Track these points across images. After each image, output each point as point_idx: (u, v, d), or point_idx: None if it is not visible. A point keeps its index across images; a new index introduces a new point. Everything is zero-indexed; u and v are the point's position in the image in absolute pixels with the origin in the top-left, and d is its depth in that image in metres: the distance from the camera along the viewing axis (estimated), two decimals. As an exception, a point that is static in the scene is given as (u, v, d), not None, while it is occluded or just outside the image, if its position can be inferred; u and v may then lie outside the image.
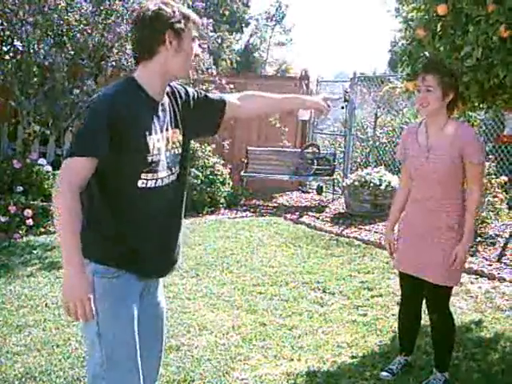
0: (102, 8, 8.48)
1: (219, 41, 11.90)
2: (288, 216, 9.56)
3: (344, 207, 9.72)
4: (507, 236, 7.69)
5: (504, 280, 6.13)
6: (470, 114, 4.91)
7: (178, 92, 2.50)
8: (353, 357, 4.20)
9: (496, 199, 7.67)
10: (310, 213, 9.79)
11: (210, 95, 2.64)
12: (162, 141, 2.34)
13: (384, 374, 3.84)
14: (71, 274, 2.12)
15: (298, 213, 9.86)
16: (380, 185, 8.97)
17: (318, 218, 9.41)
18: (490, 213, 7.76)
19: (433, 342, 3.85)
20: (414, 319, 3.90)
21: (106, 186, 2.25)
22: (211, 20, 10.13)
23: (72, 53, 8.53)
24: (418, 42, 4.14)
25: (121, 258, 2.31)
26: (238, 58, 24.58)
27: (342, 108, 11.33)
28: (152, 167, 2.30)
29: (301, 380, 3.83)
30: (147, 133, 2.28)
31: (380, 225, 8.63)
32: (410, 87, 4.46)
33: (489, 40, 3.47)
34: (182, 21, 2.29)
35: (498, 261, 6.84)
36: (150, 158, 2.28)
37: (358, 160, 11.88)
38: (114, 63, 8.90)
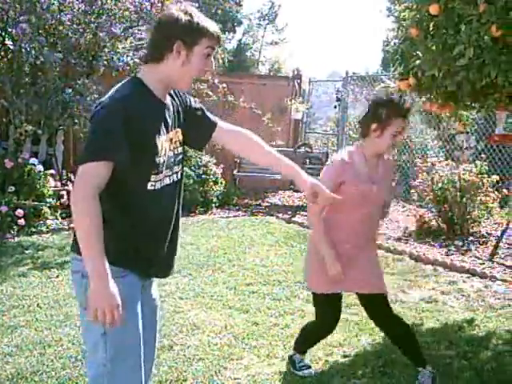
0: (94, 7, 8.46)
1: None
2: (280, 215, 9.56)
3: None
4: (499, 235, 7.72)
5: (496, 279, 6.16)
6: (462, 113, 4.90)
7: (179, 92, 2.50)
8: (345, 356, 4.21)
9: (488, 198, 7.70)
10: (302, 212, 9.78)
11: (205, 110, 2.61)
12: (167, 141, 2.35)
13: (309, 371, 3.89)
14: (99, 282, 2.09)
15: (290, 212, 9.86)
16: (372, 184, 8.96)
17: (310, 218, 9.39)
18: (482, 212, 7.79)
19: (398, 347, 3.78)
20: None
21: (114, 187, 2.21)
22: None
23: (64, 52, 8.50)
24: (411, 41, 4.15)
25: (127, 259, 2.31)
26: (231, 58, 24.57)
27: (335, 107, 11.36)
28: (159, 168, 2.31)
29: (293, 379, 3.82)
30: (157, 134, 2.28)
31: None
32: (403, 87, 4.46)
33: (480, 39, 3.47)
34: (196, 35, 2.24)
35: (490, 260, 6.86)
36: (158, 160, 2.28)
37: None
38: (105, 62, 8.88)
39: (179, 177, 2.48)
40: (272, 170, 2.92)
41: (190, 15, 2.24)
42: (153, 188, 2.31)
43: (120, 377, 2.32)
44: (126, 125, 2.15)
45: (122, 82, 2.33)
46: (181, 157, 2.48)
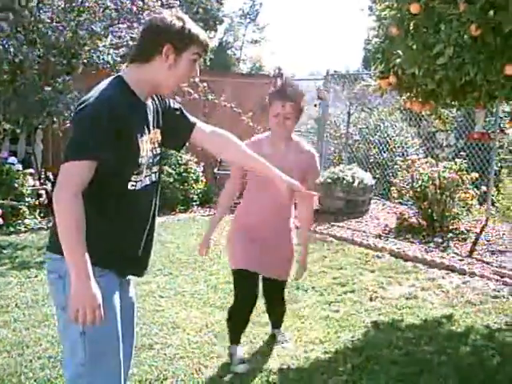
0: (74, 5, 8.39)
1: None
2: (261, 213, 9.55)
3: (317, 204, 9.75)
4: (478, 231, 7.79)
5: (474, 275, 6.21)
6: (442, 111, 4.94)
7: (158, 94, 2.50)
8: (325, 352, 4.22)
9: (467, 195, 7.77)
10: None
11: (184, 110, 2.62)
12: (148, 142, 2.36)
13: (241, 366, 3.90)
14: (81, 282, 2.09)
15: (271, 210, 9.84)
16: (353, 182, 9.02)
17: (291, 216, 9.41)
18: (462, 209, 7.86)
19: (273, 320, 4.43)
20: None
21: (95, 187, 2.19)
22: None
23: (43, 50, 8.42)
24: (391, 39, 4.17)
25: (105, 258, 2.29)
26: (212, 56, 24.52)
27: (315, 106, 11.37)
28: (140, 169, 2.32)
29: (274, 376, 3.83)
30: (138, 134, 2.29)
31: (353, 221, 8.69)
32: (383, 85, 4.49)
33: (460, 39, 3.50)
34: (187, 41, 2.28)
35: (469, 256, 6.92)
36: (140, 160, 2.30)
37: (331, 157, 11.93)
38: (85, 60, 8.82)
39: (157, 177, 2.50)
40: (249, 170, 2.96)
41: (183, 21, 2.29)
42: (133, 188, 2.32)
43: (99, 376, 2.31)
44: (109, 124, 2.14)
45: (105, 81, 2.31)
46: (159, 157, 2.49)
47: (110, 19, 8.84)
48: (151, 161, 2.40)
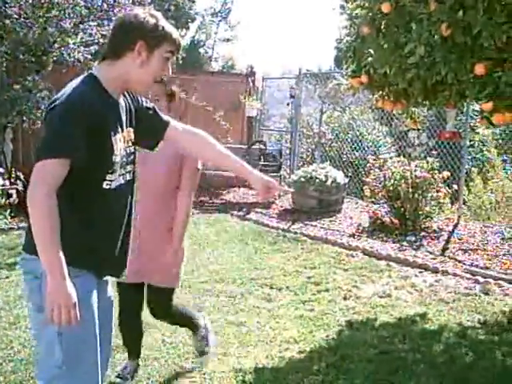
0: (42, 1, 8.27)
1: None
2: (235, 212, 9.56)
3: (290, 203, 9.77)
4: (450, 230, 7.87)
5: (447, 273, 6.27)
6: (413, 109, 4.97)
7: (131, 93, 2.49)
8: (300, 352, 4.22)
9: (439, 194, 7.83)
10: (256, 209, 9.80)
11: (157, 109, 2.61)
12: (121, 140, 2.34)
13: (118, 380, 3.68)
14: (56, 281, 2.06)
15: (244, 209, 9.86)
16: (326, 181, 9.04)
17: (264, 215, 9.44)
18: (434, 207, 7.92)
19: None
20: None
21: (70, 187, 2.17)
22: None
23: (11, 47, 8.29)
24: (363, 39, 4.19)
25: (82, 259, 2.27)
26: (184, 54, 24.41)
27: (288, 105, 11.39)
28: (115, 167, 2.30)
29: (249, 376, 3.82)
30: (112, 133, 2.27)
31: (326, 220, 8.71)
32: (355, 84, 4.50)
33: (431, 38, 3.53)
34: (160, 38, 2.28)
35: (442, 254, 6.98)
36: (114, 158, 2.28)
37: (304, 156, 11.97)
38: (55, 58, 8.71)
39: (132, 176, 2.48)
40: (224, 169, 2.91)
41: (156, 18, 2.29)
42: (108, 187, 2.30)
43: (77, 377, 2.28)
44: (82, 122, 2.13)
45: (77, 80, 2.29)
46: (133, 156, 2.48)
47: (80, 16, 8.74)
48: (125, 160, 2.39)
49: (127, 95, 2.45)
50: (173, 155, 3.38)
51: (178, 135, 2.61)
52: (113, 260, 2.45)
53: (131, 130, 2.45)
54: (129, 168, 2.44)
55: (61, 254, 2.07)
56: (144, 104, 2.55)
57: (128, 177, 2.44)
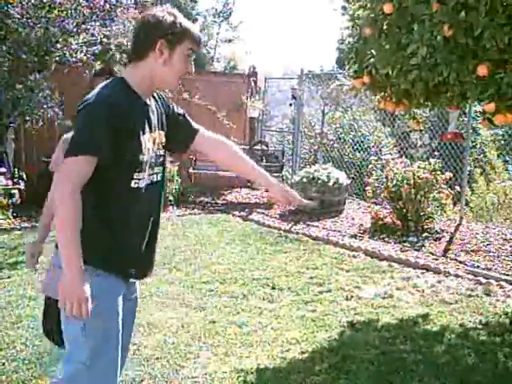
0: (44, 1, 8.28)
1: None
2: (237, 213, 9.55)
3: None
4: (452, 231, 7.87)
5: (449, 274, 6.27)
6: (416, 110, 4.97)
7: (162, 98, 2.56)
8: (302, 352, 4.23)
9: (441, 195, 7.83)
10: (258, 210, 9.81)
11: (187, 116, 2.67)
12: (150, 141, 2.39)
13: None
14: (71, 275, 2.11)
15: (246, 210, 9.86)
16: (328, 181, 9.04)
17: (266, 215, 9.44)
18: (436, 208, 7.92)
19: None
20: None
21: (98, 185, 2.25)
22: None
23: (14, 47, 8.30)
24: (365, 39, 4.19)
25: (107, 258, 2.33)
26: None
27: (290, 105, 11.39)
28: (142, 167, 2.36)
29: (250, 377, 3.83)
30: (140, 132, 2.33)
31: (328, 221, 8.71)
32: (357, 85, 4.50)
33: (433, 39, 3.53)
34: (180, 35, 2.32)
35: (444, 255, 6.98)
36: (141, 158, 2.34)
37: (306, 157, 11.97)
38: (57, 58, 8.72)
39: (160, 178, 2.53)
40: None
41: (174, 16, 2.34)
42: (136, 186, 2.35)
43: (100, 368, 2.32)
44: (108, 122, 2.19)
45: (106, 82, 2.36)
46: (162, 159, 2.54)
47: (83, 16, 8.75)
48: (153, 160, 2.44)
49: (159, 100, 2.53)
50: None
51: (206, 142, 2.68)
52: (138, 260, 2.48)
53: (162, 133, 2.52)
54: (157, 169, 2.50)
55: (79, 248, 2.12)
56: (175, 110, 2.64)
57: (156, 178, 2.49)
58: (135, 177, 2.33)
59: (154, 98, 2.48)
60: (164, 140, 2.52)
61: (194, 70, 2.45)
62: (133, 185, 2.33)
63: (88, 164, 2.16)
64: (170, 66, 2.34)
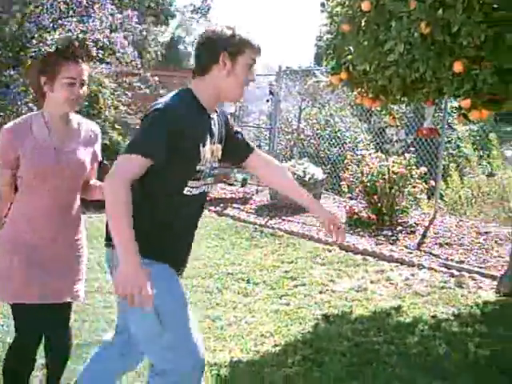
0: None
1: (144, 33, 11.74)
2: (212, 208, 9.54)
3: (268, 199, 9.80)
4: (426, 225, 7.96)
5: (423, 267, 6.35)
6: (392, 106, 5.02)
7: (223, 113, 2.68)
8: (275, 345, 4.25)
9: (416, 189, 7.92)
10: (234, 205, 9.82)
11: (244, 135, 2.83)
12: (209, 153, 2.49)
13: None
14: (128, 261, 2.14)
15: (222, 205, 9.86)
16: (304, 177, 9.08)
17: (242, 210, 9.45)
18: (410, 202, 8.01)
19: (62, 360, 3.12)
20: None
21: (153, 187, 2.38)
22: (136, 12, 9.97)
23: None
24: (343, 36, 4.23)
25: (156, 256, 2.40)
26: (164, 51, 24.27)
27: (267, 101, 11.41)
28: (197, 176, 2.46)
29: (224, 370, 3.83)
30: (201, 144, 2.42)
31: (303, 216, 8.75)
32: (335, 81, 4.54)
33: (410, 36, 3.58)
34: (240, 46, 2.41)
35: (418, 249, 7.07)
36: (199, 167, 2.44)
37: (283, 152, 12.00)
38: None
39: (208, 189, 2.62)
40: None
41: (232, 29, 2.43)
42: (189, 193, 2.46)
43: (184, 354, 2.41)
44: (169, 130, 2.28)
45: (176, 91, 2.46)
46: (215, 171, 2.63)
47: (59, 12, 8.67)
48: (208, 171, 2.53)
49: (220, 115, 2.63)
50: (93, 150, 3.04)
51: (257, 163, 2.85)
52: (177, 261, 2.60)
53: (220, 146, 2.61)
54: (209, 180, 2.58)
55: (133, 239, 2.16)
56: (234, 128, 2.77)
57: (205, 188, 2.57)
58: (189, 185, 2.44)
59: (215, 111, 2.58)
60: (220, 154, 2.61)
61: (253, 77, 2.51)
62: (186, 192, 2.44)
63: (140, 164, 2.24)
64: (233, 76, 2.43)
